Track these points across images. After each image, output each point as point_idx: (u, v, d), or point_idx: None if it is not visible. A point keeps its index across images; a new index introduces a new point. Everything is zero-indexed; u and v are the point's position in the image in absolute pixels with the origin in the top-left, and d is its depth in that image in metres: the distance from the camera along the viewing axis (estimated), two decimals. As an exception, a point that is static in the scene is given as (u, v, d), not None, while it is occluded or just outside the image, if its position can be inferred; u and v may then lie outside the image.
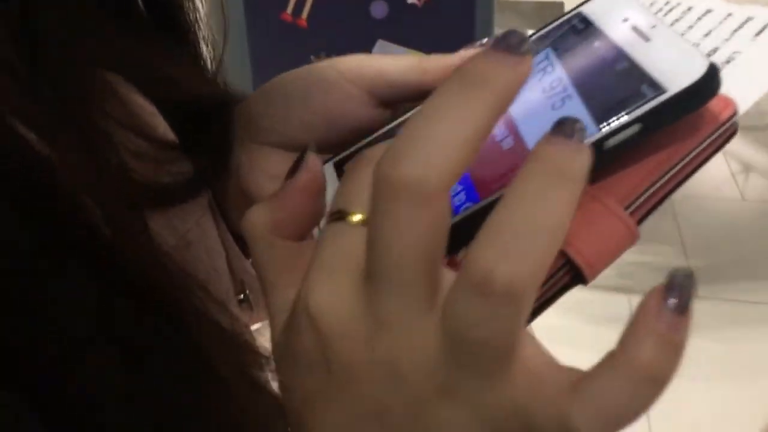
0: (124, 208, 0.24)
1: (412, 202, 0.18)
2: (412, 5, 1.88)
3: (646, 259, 2.08)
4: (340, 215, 0.20)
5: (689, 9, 0.30)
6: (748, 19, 0.28)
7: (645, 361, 0.18)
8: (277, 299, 0.22)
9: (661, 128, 0.23)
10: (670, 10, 0.30)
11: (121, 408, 0.22)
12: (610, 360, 0.18)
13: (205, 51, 0.34)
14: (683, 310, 0.18)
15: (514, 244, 0.17)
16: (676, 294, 0.18)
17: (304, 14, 1.79)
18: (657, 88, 0.23)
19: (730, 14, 0.28)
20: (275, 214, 0.22)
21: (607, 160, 0.23)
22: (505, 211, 0.18)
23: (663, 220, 2.22)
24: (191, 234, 0.29)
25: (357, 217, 0.20)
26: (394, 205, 0.18)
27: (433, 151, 0.18)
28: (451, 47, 0.30)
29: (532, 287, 0.18)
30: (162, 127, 0.30)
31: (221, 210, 0.33)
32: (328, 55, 1.94)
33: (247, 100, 0.33)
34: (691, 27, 0.29)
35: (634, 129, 0.23)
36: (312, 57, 1.89)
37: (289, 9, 1.78)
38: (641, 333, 0.18)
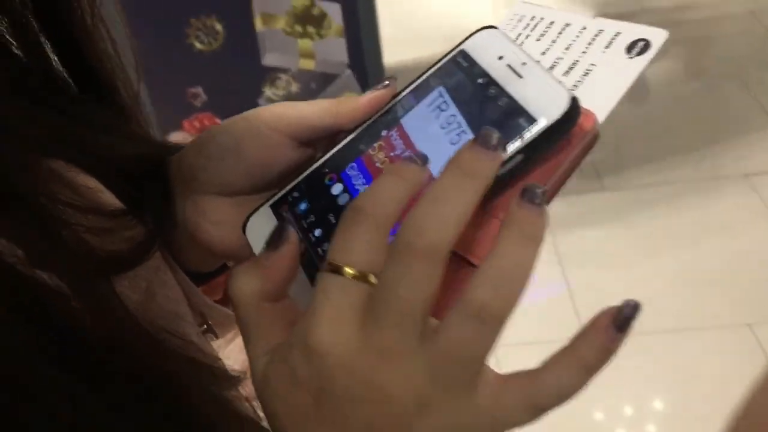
0: (89, 280, 0.28)
1: (428, 261, 0.24)
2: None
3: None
4: (336, 268, 0.25)
5: (551, 23, 0.34)
6: (600, 32, 0.32)
7: (591, 355, 0.25)
8: (258, 348, 0.27)
9: (539, 155, 0.28)
10: (536, 24, 0.35)
11: None
12: (558, 355, 0.25)
13: (126, 96, 0.37)
14: (624, 330, 0.25)
15: (502, 285, 0.24)
16: (623, 319, 0.25)
17: (180, -23, 1.74)
18: (531, 121, 0.28)
19: (584, 27, 0.33)
20: (263, 283, 0.27)
21: (498, 186, 0.28)
22: (492, 260, 0.25)
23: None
24: (153, 285, 0.33)
25: (351, 272, 0.25)
26: (413, 262, 0.24)
27: (444, 226, 0.25)
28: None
29: (509, 316, 0.25)
30: (108, 199, 0.33)
31: (174, 256, 0.37)
32: (207, 15, 1.90)
33: (183, 154, 0.37)
34: (554, 41, 0.33)
35: (518, 159, 0.28)
36: (190, 18, 1.85)
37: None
38: (590, 335, 0.25)
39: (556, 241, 1.92)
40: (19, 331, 0.24)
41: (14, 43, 0.32)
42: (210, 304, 0.38)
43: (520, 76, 0.29)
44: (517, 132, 0.28)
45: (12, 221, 0.26)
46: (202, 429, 0.29)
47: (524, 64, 0.29)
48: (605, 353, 0.25)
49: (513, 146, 0.28)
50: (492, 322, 0.24)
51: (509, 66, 0.30)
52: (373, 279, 0.25)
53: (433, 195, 0.25)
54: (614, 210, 2.03)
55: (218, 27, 2.01)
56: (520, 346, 1.71)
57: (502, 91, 0.29)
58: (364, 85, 2.24)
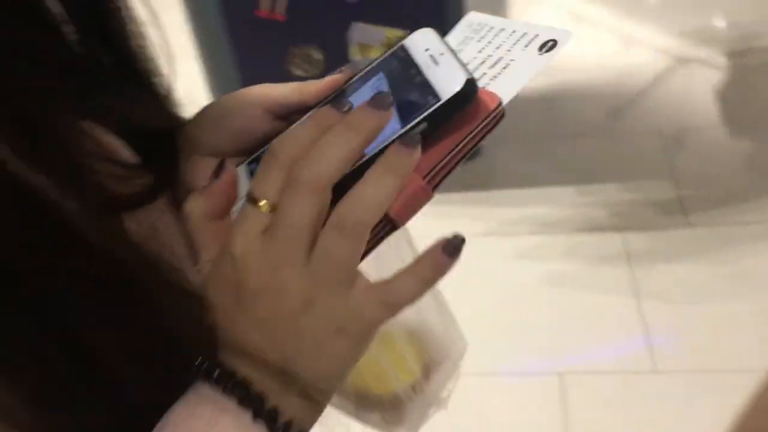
0: (104, 213, 0.36)
1: (311, 192, 0.32)
2: (387, -17, 1.97)
3: (637, 197, 2.18)
4: (254, 200, 0.34)
5: (491, 28, 0.41)
6: (524, 34, 0.39)
7: (426, 271, 0.33)
8: (205, 256, 0.36)
9: (442, 123, 0.35)
10: (481, 29, 0.41)
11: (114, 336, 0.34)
12: (405, 268, 0.33)
13: (160, 86, 0.46)
14: (453, 255, 0.33)
15: (359, 204, 0.32)
16: (452, 247, 0.33)
17: (281, 8, 1.89)
18: (436, 97, 0.35)
19: (514, 31, 0.39)
20: (207, 203, 0.36)
21: None
22: (358, 185, 0.32)
23: (653, 156, 2.30)
24: (157, 224, 0.42)
25: (263, 203, 0.34)
26: (301, 192, 0.32)
27: (328, 165, 0.32)
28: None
29: (369, 228, 0.32)
30: (126, 154, 0.42)
31: (178, 205, 0.45)
32: (308, 44, 2.04)
33: (188, 125, 0.46)
34: (490, 42, 0.40)
35: (423, 125, 0.35)
36: (291, 47, 1.99)
37: (265, 4, 1.88)
38: (427, 256, 0.33)
39: (636, 276, 1.90)
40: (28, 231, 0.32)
41: (70, 28, 0.41)
42: None
43: (436, 63, 0.36)
44: (425, 104, 0.35)
45: (49, 164, 0.35)
46: (174, 342, 0.37)
47: (442, 54, 0.36)
48: (438, 271, 0.33)
49: (420, 116, 0.34)
50: (350, 233, 0.32)
51: (431, 56, 0.37)
52: (269, 206, 0.33)
53: (322, 141, 0.32)
54: (700, 247, 1.98)
55: (317, 56, 2.15)
56: (593, 374, 1.71)
57: (421, 75, 0.36)
58: (454, 115, 2.31)
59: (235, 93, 0.44)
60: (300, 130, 0.34)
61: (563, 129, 2.52)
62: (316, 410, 0.36)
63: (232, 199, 0.36)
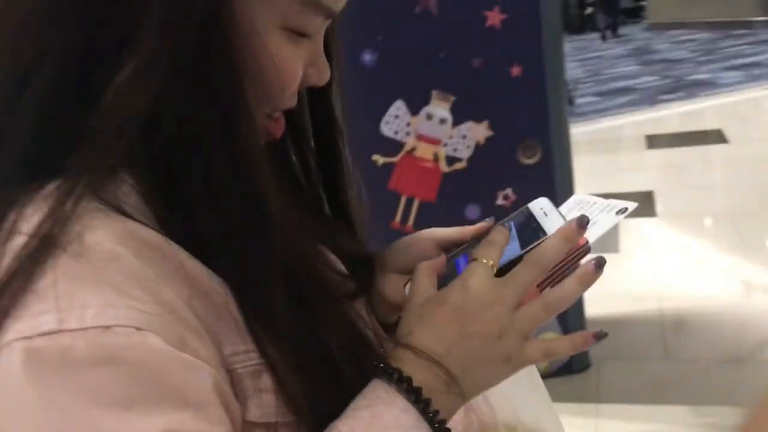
0: (333, 300, 0.56)
1: (537, 272, 0.52)
2: (501, 206, 2.26)
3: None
4: (477, 259, 0.53)
5: (588, 202, 0.62)
6: (608, 205, 0.60)
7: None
8: (418, 291, 0.54)
9: None
10: (581, 202, 0.63)
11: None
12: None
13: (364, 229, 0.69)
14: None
15: (561, 297, 0.52)
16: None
17: (410, 221, 2.19)
18: (545, 234, 0.55)
19: (602, 204, 0.61)
20: (433, 264, 0.56)
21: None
22: (563, 283, 0.53)
23: None
24: (358, 317, 0.61)
25: (489, 263, 0.52)
26: (535, 269, 0.52)
27: (548, 261, 0.52)
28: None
29: (560, 311, 0.51)
30: (340, 266, 0.63)
31: (371, 305, 0.65)
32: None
33: (384, 253, 0.67)
34: (586, 210, 0.61)
35: None
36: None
37: (397, 218, 2.19)
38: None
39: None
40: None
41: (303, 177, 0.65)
42: (386, 336, 0.65)
43: (546, 216, 0.57)
44: (536, 239, 0.55)
45: (303, 259, 0.55)
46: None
47: (551, 211, 0.57)
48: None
49: (532, 246, 0.54)
50: (549, 311, 0.50)
51: (543, 212, 0.58)
52: (492, 266, 0.53)
53: (550, 244, 0.52)
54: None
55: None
56: None
57: (536, 222, 0.57)
58: (565, 329, 2.42)
59: (414, 233, 0.67)
60: (497, 236, 0.55)
61: (677, 353, 2.59)
62: (458, 407, 0.50)
63: (442, 269, 0.57)
